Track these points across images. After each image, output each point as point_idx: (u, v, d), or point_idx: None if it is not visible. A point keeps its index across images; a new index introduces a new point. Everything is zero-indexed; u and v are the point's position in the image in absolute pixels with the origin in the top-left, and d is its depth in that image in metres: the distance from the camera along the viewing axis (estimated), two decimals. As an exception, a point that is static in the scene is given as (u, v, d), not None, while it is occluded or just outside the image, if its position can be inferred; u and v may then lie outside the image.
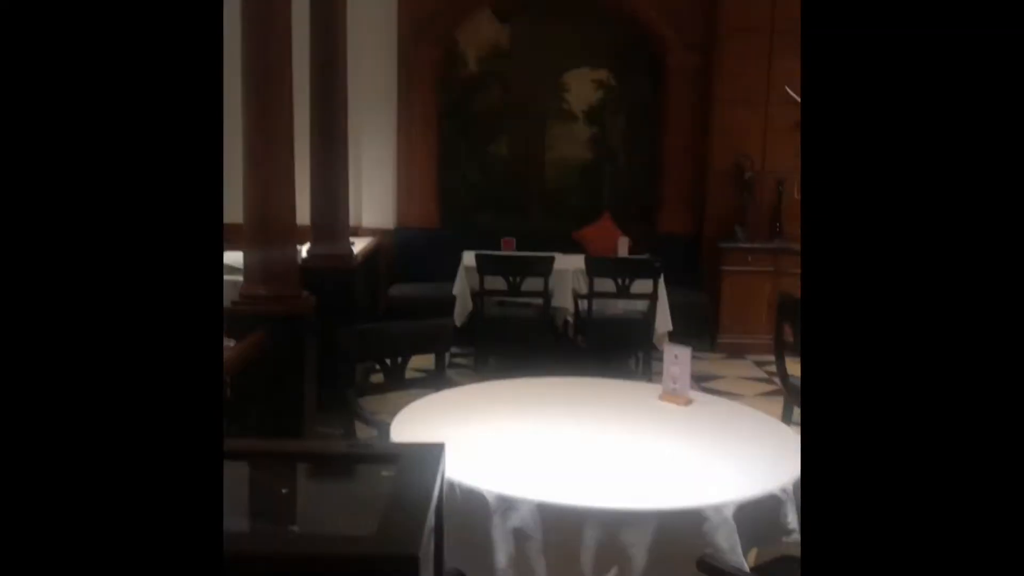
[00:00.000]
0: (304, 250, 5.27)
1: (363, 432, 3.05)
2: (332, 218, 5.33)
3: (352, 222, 6.96)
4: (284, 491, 1.32)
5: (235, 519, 1.15)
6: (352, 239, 5.94)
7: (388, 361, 3.25)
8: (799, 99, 6.95)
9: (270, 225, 3.58)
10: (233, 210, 3.02)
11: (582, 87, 7.35)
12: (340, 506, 1.26)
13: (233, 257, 4.16)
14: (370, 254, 6.55)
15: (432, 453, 1.08)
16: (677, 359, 2.86)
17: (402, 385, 3.31)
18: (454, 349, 6.26)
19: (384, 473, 1.19)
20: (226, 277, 4.00)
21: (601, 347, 5.72)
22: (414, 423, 2.56)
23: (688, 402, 2.82)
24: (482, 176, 7.42)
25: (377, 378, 3.35)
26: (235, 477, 1.19)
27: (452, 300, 5.87)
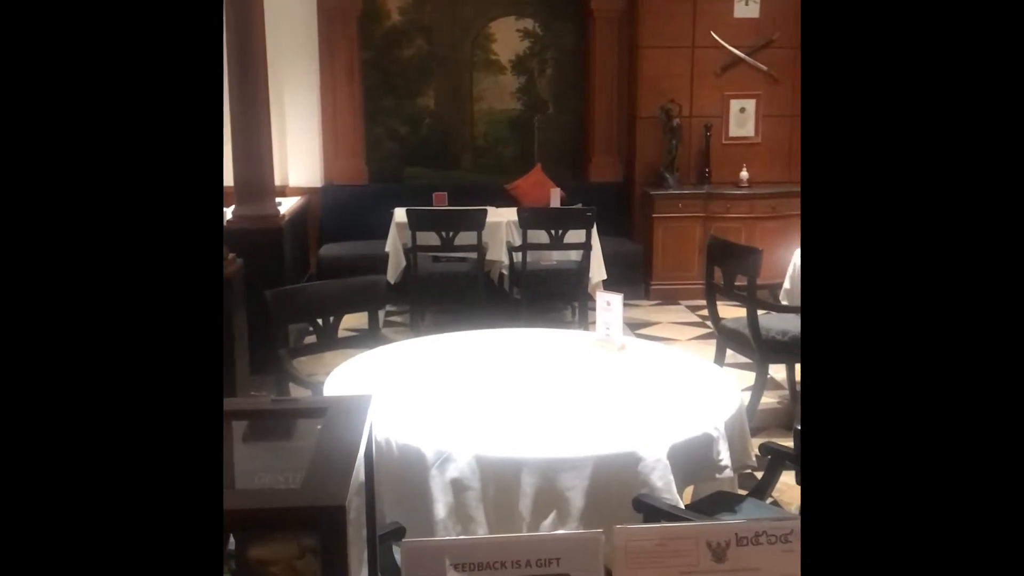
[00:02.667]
0: (229, 212, 5.16)
1: (298, 394, 3.03)
2: (256, 177, 5.20)
3: (278, 181, 6.83)
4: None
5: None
6: (279, 199, 5.83)
7: (320, 321, 3.22)
8: (724, 43, 7.01)
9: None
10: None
11: (508, 37, 7.28)
12: (270, 461, 1.25)
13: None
14: (298, 214, 6.44)
15: (358, 404, 1.08)
16: (609, 306, 2.89)
17: (336, 344, 3.28)
18: (389, 307, 6.23)
19: (319, 427, 1.19)
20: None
21: (537, 298, 5.76)
22: (348, 381, 2.55)
23: (621, 348, 2.87)
24: (410, 130, 7.33)
25: (311, 339, 3.32)
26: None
27: (385, 258, 5.83)
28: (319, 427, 1.06)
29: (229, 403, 1.11)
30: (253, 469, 1.35)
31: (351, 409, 1.05)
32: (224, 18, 4.94)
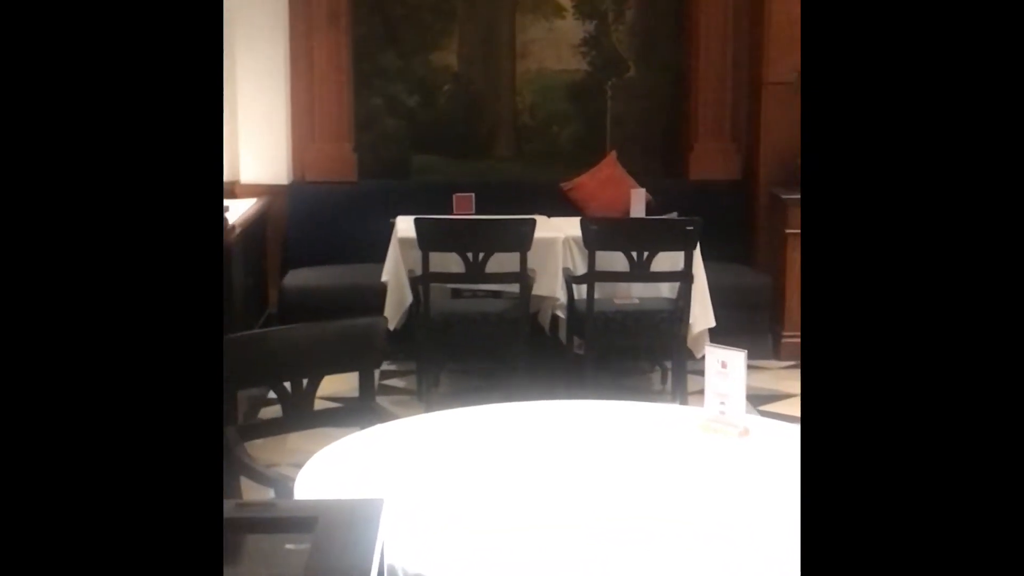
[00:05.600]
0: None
1: (253, 492, 3.04)
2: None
3: (226, 176, 6.91)
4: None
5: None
6: (226, 203, 5.90)
7: (287, 385, 3.23)
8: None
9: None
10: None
11: (569, -37, 7.36)
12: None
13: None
14: (254, 224, 6.51)
15: (365, 514, 1.07)
16: (725, 369, 2.87)
17: (309, 421, 3.30)
18: (386, 365, 6.25)
19: (288, 546, 1.19)
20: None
21: (609, 355, 5.75)
22: (330, 477, 2.55)
23: (744, 433, 2.84)
24: (422, 101, 7.40)
25: (271, 411, 3.34)
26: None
27: (381, 291, 5.86)
28: (303, 546, 1.04)
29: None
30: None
31: (353, 521, 1.04)
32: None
